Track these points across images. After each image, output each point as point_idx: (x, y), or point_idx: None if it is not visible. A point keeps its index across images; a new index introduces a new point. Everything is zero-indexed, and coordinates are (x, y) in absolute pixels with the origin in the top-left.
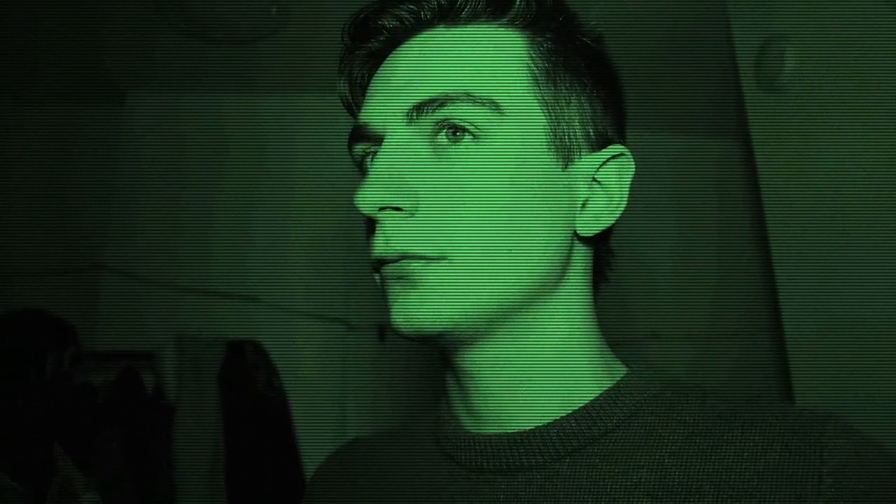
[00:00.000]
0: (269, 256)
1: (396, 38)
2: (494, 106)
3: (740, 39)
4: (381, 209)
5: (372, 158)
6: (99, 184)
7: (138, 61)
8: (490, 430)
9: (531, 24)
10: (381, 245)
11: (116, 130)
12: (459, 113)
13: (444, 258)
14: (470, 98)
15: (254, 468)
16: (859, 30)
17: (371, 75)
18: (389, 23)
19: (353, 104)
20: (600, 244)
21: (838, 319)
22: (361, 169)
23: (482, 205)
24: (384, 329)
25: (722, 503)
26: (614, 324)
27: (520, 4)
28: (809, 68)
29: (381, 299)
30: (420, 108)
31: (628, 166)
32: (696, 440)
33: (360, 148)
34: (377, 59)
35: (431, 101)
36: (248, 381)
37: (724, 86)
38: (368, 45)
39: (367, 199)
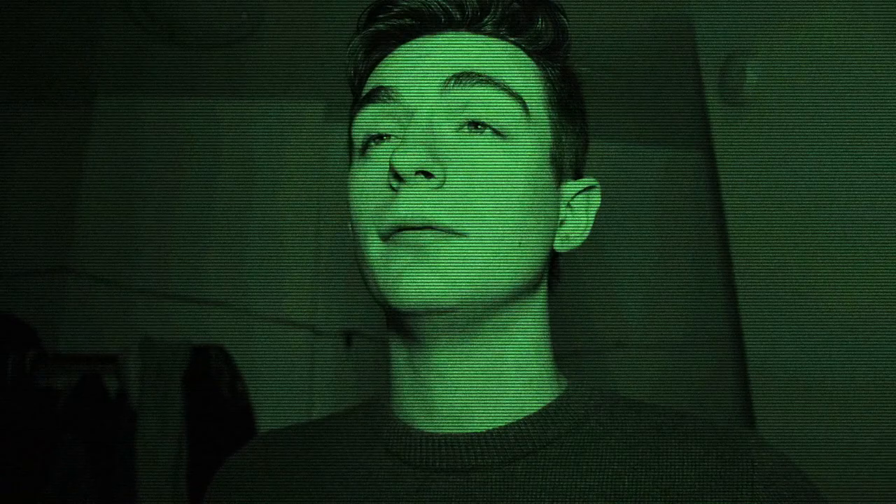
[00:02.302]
0: (237, 261)
1: (422, 30)
2: (523, 104)
3: (705, 54)
4: (417, 173)
5: (377, 142)
6: (66, 186)
7: (107, 64)
8: (445, 429)
9: (544, 53)
10: (407, 208)
11: (84, 133)
12: (490, 100)
13: (464, 235)
14: (505, 88)
15: None
16: (819, 46)
17: (378, 59)
18: (432, 6)
19: (359, 73)
20: (555, 263)
21: (797, 328)
22: (362, 144)
23: (501, 191)
24: (350, 335)
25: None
26: (580, 332)
27: (541, 25)
28: (770, 83)
29: (376, 270)
30: (459, 78)
31: (597, 199)
32: (638, 449)
33: (370, 113)
34: (394, 40)
35: (472, 73)
36: (212, 385)
37: (692, 99)
38: (397, 22)
39: (409, 159)
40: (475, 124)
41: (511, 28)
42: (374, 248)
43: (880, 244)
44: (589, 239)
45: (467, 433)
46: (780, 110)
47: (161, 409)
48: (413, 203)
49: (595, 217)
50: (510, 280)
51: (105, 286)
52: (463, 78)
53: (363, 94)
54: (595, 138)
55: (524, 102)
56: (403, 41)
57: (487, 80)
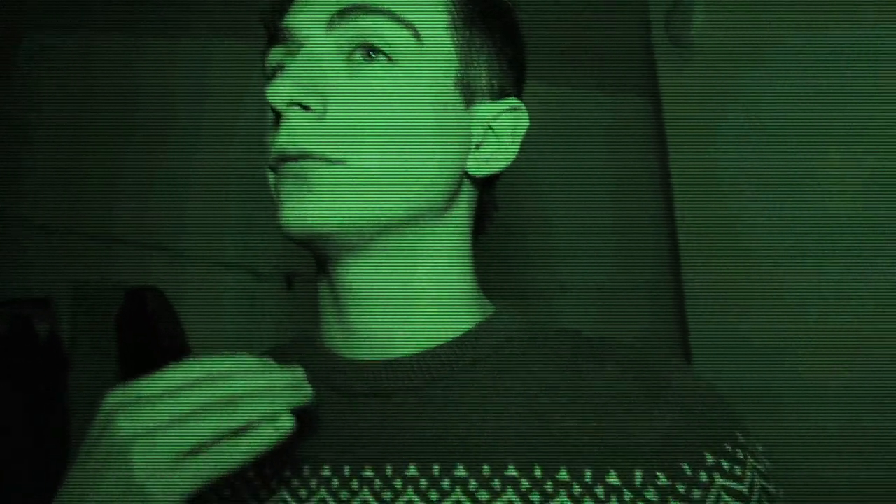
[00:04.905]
0: (176, 204)
1: None
2: (414, 31)
3: None
4: (291, 104)
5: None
6: None
7: (38, 3)
8: (365, 355)
9: None
10: (285, 139)
11: (11, 73)
12: (380, 29)
13: (342, 162)
14: (392, 16)
15: None
16: None
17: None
18: None
19: (271, 17)
20: (485, 193)
21: (736, 274)
22: (267, 82)
23: (386, 119)
24: (292, 277)
25: (583, 422)
26: (525, 276)
27: None
28: (718, 26)
29: (275, 201)
30: (343, 14)
31: (523, 120)
32: (558, 370)
33: (274, 55)
34: None
35: (356, 7)
36: (149, 328)
37: (638, 41)
38: None
39: (280, 91)
40: (366, 51)
41: None
42: (272, 181)
43: (824, 186)
44: (534, 183)
45: (388, 359)
46: (727, 55)
47: (95, 352)
48: (289, 134)
49: (522, 140)
50: (399, 205)
51: (39, 231)
52: (348, 12)
53: (268, 36)
54: (541, 82)
55: (415, 28)
56: None
57: (374, 10)
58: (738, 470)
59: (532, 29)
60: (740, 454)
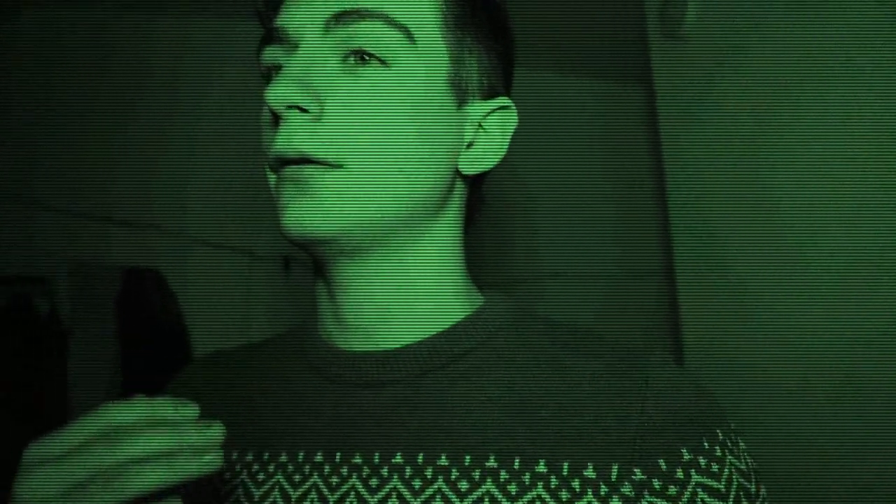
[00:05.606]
0: (173, 183)
1: None
2: (407, 33)
3: None
4: (289, 107)
5: (278, 72)
6: None
7: None
8: (359, 347)
9: None
10: (283, 142)
11: (9, 47)
12: (375, 33)
13: (340, 166)
14: (387, 20)
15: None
16: None
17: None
18: None
19: (266, 14)
20: (475, 189)
21: (728, 262)
22: (267, 81)
23: (382, 121)
24: (289, 260)
25: (563, 416)
26: (520, 262)
27: None
28: (711, 18)
29: (275, 202)
30: (339, 17)
31: (512, 118)
32: (541, 363)
33: (269, 53)
34: None
35: (351, 12)
36: (146, 308)
37: (633, 32)
38: None
39: (278, 94)
40: (360, 56)
41: None
42: (272, 181)
43: (817, 176)
44: (529, 170)
45: (380, 350)
46: (720, 47)
47: (93, 331)
48: (288, 137)
49: (511, 137)
50: (397, 207)
51: (37, 209)
52: (343, 17)
53: (263, 34)
54: (535, 70)
55: (409, 31)
56: None
57: (368, 15)
58: (715, 467)
59: (527, 17)
60: (718, 451)
